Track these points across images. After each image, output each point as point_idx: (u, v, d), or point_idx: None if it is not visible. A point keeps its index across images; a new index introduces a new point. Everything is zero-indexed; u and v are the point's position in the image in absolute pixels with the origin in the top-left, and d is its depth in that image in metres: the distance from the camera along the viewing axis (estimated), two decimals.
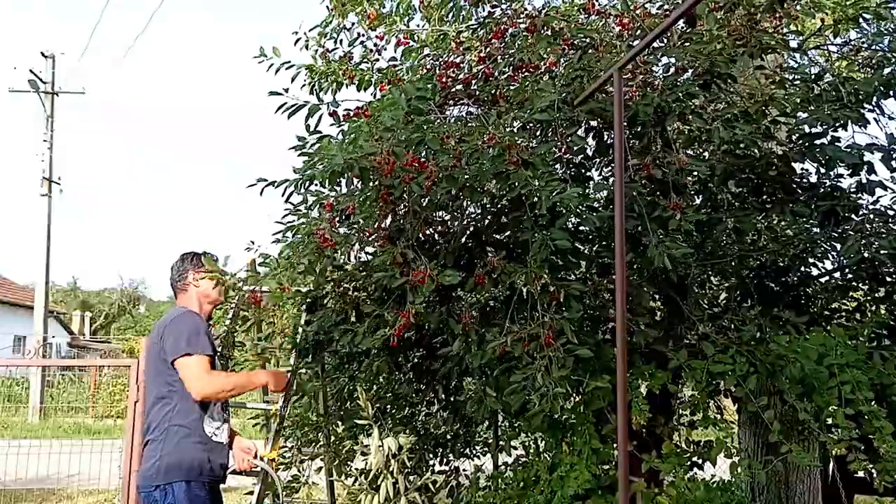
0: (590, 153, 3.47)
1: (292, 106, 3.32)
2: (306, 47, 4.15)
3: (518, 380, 2.79)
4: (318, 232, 3.02)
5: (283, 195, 3.18)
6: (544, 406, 2.69)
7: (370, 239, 3.27)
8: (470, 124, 3.06)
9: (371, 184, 2.88)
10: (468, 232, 3.35)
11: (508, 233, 3.31)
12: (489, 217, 3.37)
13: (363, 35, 4.07)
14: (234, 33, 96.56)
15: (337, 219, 3.15)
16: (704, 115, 3.15)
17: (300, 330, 3.86)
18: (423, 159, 2.79)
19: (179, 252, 3.56)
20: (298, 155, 3.00)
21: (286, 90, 3.32)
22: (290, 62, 3.88)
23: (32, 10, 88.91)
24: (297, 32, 4.13)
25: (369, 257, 3.46)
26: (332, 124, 3.44)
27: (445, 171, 2.74)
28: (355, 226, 3.27)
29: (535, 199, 2.67)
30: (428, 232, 3.29)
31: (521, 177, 2.68)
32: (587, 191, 3.17)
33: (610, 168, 3.50)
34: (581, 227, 3.32)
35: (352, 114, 3.28)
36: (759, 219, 3.66)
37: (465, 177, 2.83)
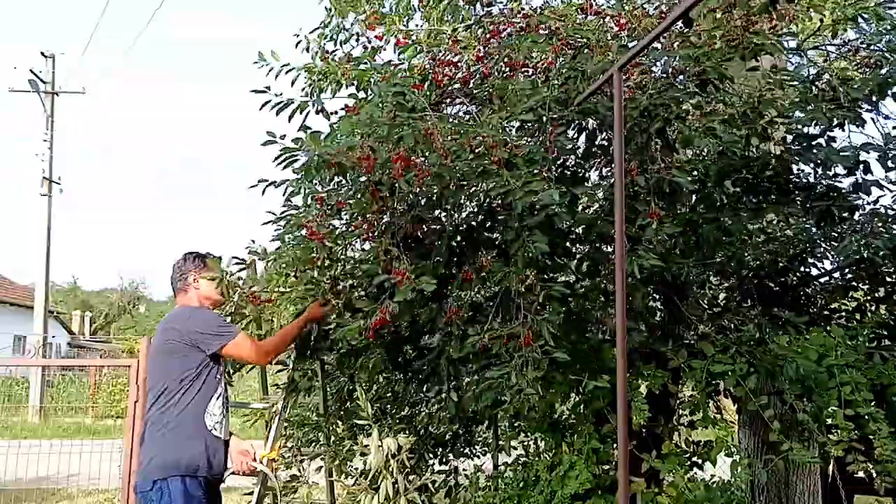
0: (582, 154, 3.47)
1: (278, 103, 3.33)
2: (307, 49, 4.15)
3: (494, 376, 2.80)
4: (305, 225, 3.02)
5: (283, 194, 3.19)
6: (515, 404, 2.70)
7: (360, 234, 3.27)
8: (463, 123, 3.05)
9: (358, 179, 2.88)
10: (461, 230, 3.35)
11: (500, 232, 3.31)
12: (482, 215, 3.38)
13: (362, 35, 4.07)
14: (235, 33, 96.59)
15: (328, 213, 3.15)
16: (690, 121, 3.15)
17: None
18: (410, 156, 2.78)
19: (180, 252, 3.57)
20: (281, 150, 2.98)
21: (268, 88, 3.32)
22: (289, 65, 3.88)
23: (32, 10, 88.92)
24: (297, 35, 4.14)
25: (363, 253, 3.47)
26: (330, 123, 3.45)
27: (433, 168, 2.74)
28: (345, 219, 3.28)
29: (513, 199, 2.67)
30: (422, 229, 3.29)
31: (503, 177, 2.68)
32: (580, 192, 3.16)
33: (609, 168, 3.50)
34: (572, 228, 3.32)
35: (342, 111, 3.28)
36: (755, 219, 3.66)
37: (452, 174, 2.82)
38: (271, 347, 3.51)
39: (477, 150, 2.74)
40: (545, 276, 2.98)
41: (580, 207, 3.47)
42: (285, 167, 2.95)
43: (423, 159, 2.76)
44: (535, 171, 2.74)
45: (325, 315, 3.57)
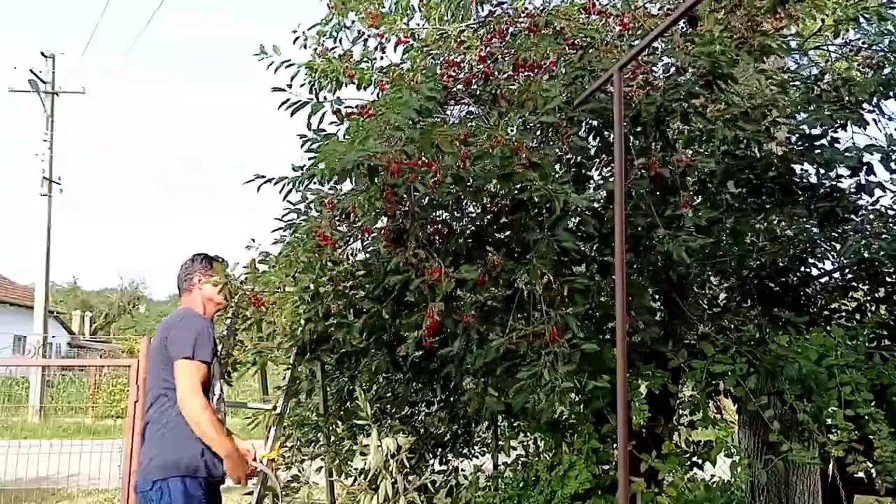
0: (591, 153, 3.47)
1: (295, 103, 3.32)
2: (305, 46, 4.14)
3: (524, 377, 2.78)
4: (317, 230, 3.02)
5: (280, 192, 3.18)
6: (552, 401, 2.68)
7: (370, 238, 3.26)
8: (471, 124, 3.05)
9: (375, 183, 2.88)
10: (469, 231, 3.35)
11: (509, 232, 3.31)
12: (489, 217, 3.37)
13: (363, 33, 4.06)
14: (235, 33, 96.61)
15: (337, 217, 3.15)
16: (706, 115, 3.14)
17: (300, 326, 3.85)
18: (428, 159, 2.78)
19: (180, 252, 3.57)
20: (306, 151, 2.99)
21: (289, 86, 3.32)
22: (289, 60, 3.88)
23: (32, 10, 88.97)
24: (295, 31, 4.13)
25: (367, 255, 3.46)
26: (332, 122, 3.44)
27: (451, 172, 2.74)
28: (355, 224, 3.27)
29: (547, 201, 2.67)
30: (429, 231, 3.29)
31: (529, 178, 2.68)
32: (588, 190, 3.17)
33: (610, 168, 3.50)
34: (582, 227, 3.32)
35: (355, 112, 3.28)
36: (759, 219, 3.66)
37: (472, 177, 2.83)
38: (196, 414, 3.11)
39: (500, 153, 2.74)
40: (561, 273, 2.99)
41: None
42: (314, 169, 2.92)
43: (440, 163, 2.76)
44: (561, 172, 2.76)
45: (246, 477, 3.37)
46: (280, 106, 3.31)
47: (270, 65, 3.83)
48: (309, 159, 2.96)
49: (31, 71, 19.97)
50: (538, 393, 2.72)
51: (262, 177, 3.19)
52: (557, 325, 2.75)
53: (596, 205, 3.47)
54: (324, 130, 3.17)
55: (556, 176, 2.75)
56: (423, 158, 2.74)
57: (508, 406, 3.14)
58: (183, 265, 3.51)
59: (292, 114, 3.31)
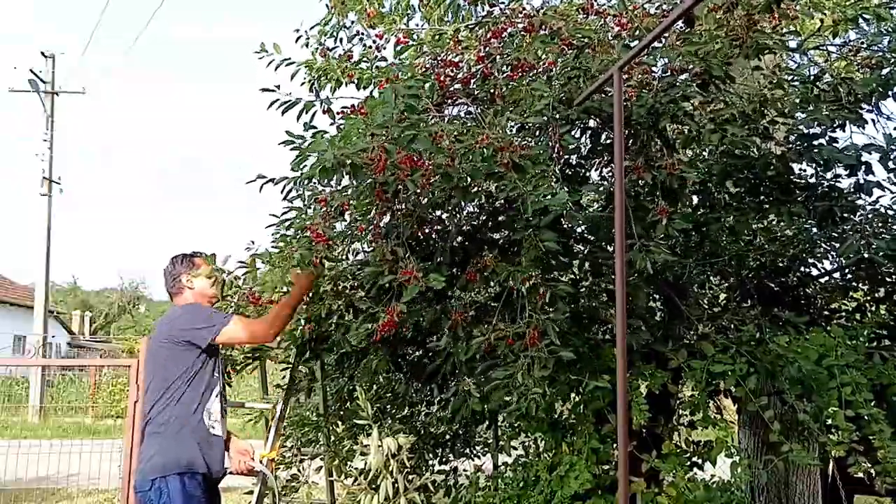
0: (584, 153, 3.47)
1: (285, 102, 3.32)
2: (307, 45, 4.14)
3: (500, 377, 2.78)
4: (310, 227, 3.02)
5: (281, 192, 3.18)
6: (521, 405, 2.69)
7: (364, 236, 3.26)
8: (466, 123, 3.05)
9: (365, 181, 2.87)
10: (464, 231, 3.34)
11: (504, 232, 3.31)
12: (485, 216, 3.37)
13: (363, 33, 4.06)
14: (235, 33, 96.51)
15: (331, 215, 3.14)
16: (698, 118, 3.14)
17: (299, 325, 3.86)
18: (418, 158, 2.78)
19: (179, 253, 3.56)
20: (291, 149, 2.98)
21: (278, 87, 3.32)
22: (290, 59, 3.87)
23: (33, 9, 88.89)
24: (298, 30, 4.13)
25: (365, 254, 3.46)
26: (331, 123, 3.44)
27: (440, 170, 2.73)
28: (348, 221, 3.27)
29: (523, 202, 2.67)
30: (426, 231, 3.28)
31: (511, 179, 2.67)
32: (581, 191, 3.16)
33: (609, 168, 3.50)
34: (575, 228, 3.31)
35: (348, 111, 3.28)
36: (757, 219, 3.66)
37: (460, 176, 2.83)
38: (271, 320, 3.34)
39: (484, 152, 2.73)
40: (549, 276, 2.98)
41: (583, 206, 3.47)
42: (299, 167, 2.92)
43: (429, 161, 2.76)
44: (543, 172, 2.74)
45: (315, 279, 3.42)
46: (270, 106, 3.32)
47: (270, 62, 3.83)
48: (294, 158, 2.95)
49: (31, 71, 19.98)
50: (513, 394, 2.73)
51: (264, 177, 3.19)
52: (538, 329, 2.74)
53: (595, 205, 3.48)
54: (314, 127, 3.16)
55: (539, 176, 2.72)
56: (411, 156, 2.73)
57: (487, 403, 3.16)
58: (166, 271, 3.50)
59: (283, 113, 3.31)
